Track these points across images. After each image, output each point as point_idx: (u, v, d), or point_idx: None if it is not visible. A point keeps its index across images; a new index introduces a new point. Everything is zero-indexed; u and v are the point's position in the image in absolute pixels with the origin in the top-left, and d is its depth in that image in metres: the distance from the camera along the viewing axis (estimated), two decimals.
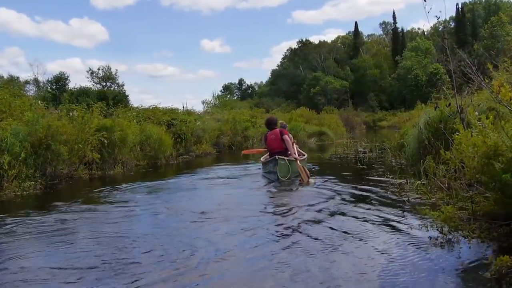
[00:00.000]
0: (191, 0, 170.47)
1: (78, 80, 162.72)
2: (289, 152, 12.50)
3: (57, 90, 54.88)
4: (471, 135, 5.57)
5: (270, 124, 13.41)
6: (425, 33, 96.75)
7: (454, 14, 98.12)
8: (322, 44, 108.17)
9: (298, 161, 12.09)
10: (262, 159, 13.90)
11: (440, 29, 61.67)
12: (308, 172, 11.77)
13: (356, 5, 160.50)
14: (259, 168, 14.12)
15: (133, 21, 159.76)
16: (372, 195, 8.95)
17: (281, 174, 11.68)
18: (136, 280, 4.64)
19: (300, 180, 11.46)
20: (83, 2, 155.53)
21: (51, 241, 6.41)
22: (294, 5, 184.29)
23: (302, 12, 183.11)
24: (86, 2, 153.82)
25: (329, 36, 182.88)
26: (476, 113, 6.50)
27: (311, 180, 11.40)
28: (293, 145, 12.93)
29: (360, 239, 5.81)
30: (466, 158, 5.74)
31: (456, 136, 6.05)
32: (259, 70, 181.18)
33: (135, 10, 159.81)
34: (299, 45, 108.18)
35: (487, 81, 6.82)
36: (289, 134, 13.32)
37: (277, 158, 11.78)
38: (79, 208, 9.04)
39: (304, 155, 13.86)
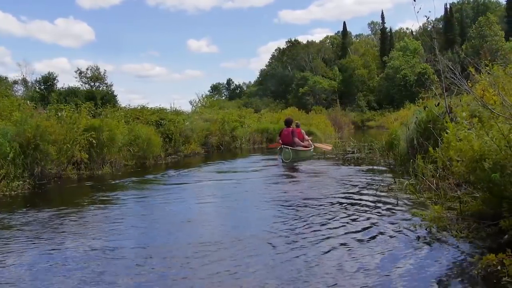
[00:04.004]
0: (177, 0, 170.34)
1: (65, 80, 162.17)
2: (296, 145, 17.74)
3: (45, 90, 54.45)
4: (458, 138, 5.62)
5: (288, 123, 18.53)
6: (414, 33, 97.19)
7: (442, 14, 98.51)
8: (311, 44, 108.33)
9: (305, 150, 18.23)
10: (278, 148, 17.94)
11: (428, 29, 61.95)
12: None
13: (342, 4, 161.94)
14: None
15: (119, 21, 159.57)
16: (361, 195, 8.98)
17: (284, 157, 16.78)
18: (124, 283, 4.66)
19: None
20: (69, 1, 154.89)
21: (36, 242, 6.39)
22: (281, 5, 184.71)
23: (289, 12, 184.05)
24: (72, 1, 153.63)
25: (316, 36, 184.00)
26: (464, 114, 6.55)
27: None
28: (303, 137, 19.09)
29: (348, 239, 5.83)
30: (454, 162, 5.79)
31: (446, 135, 6.09)
32: (246, 70, 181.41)
33: (121, 10, 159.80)
34: (288, 45, 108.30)
35: (470, 85, 6.89)
36: (302, 131, 19.71)
37: (282, 147, 17.01)
38: (67, 208, 9.00)
39: (310, 147, 19.30)
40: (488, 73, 6.77)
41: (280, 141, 17.88)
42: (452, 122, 6.51)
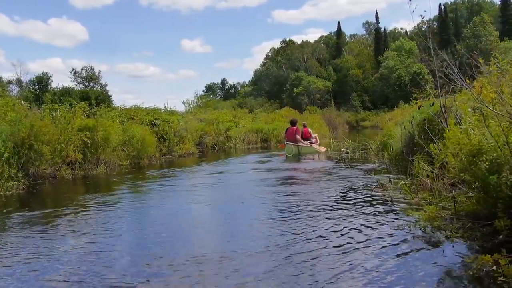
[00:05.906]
0: (170, 0, 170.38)
1: (59, 80, 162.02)
2: (298, 142, 20.31)
3: (39, 90, 54.45)
4: (460, 133, 5.63)
5: (293, 123, 21.32)
6: (408, 33, 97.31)
7: (437, 14, 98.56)
8: (305, 44, 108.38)
9: (307, 147, 20.72)
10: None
11: (423, 29, 61.96)
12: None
13: (336, 4, 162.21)
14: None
15: (112, 21, 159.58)
16: (356, 196, 8.96)
17: (288, 152, 19.77)
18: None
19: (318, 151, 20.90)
20: (61, 1, 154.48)
21: (31, 242, 6.39)
22: (274, 4, 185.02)
23: (282, 12, 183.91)
24: (65, 1, 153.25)
25: (310, 36, 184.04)
26: (470, 109, 6.55)
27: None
28: (308, 137, 21.78)
29: (343, 241, 5.83)
30: (451, 156, 5.79)
31: (447, 132, 6.09)
32: (240, 70, 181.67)
33: (114, 9, 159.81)
34: (282, 45, 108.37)
35: (468, 82, 6.85)
36: (309, 130, 22.61)
37: (285, 143, 20.27)
38: (61, 209, 8.98)
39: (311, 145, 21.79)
40: (497, 65, 6.66)
41: (285, 138, 20.93)
42: (447, 122, 6.52)
